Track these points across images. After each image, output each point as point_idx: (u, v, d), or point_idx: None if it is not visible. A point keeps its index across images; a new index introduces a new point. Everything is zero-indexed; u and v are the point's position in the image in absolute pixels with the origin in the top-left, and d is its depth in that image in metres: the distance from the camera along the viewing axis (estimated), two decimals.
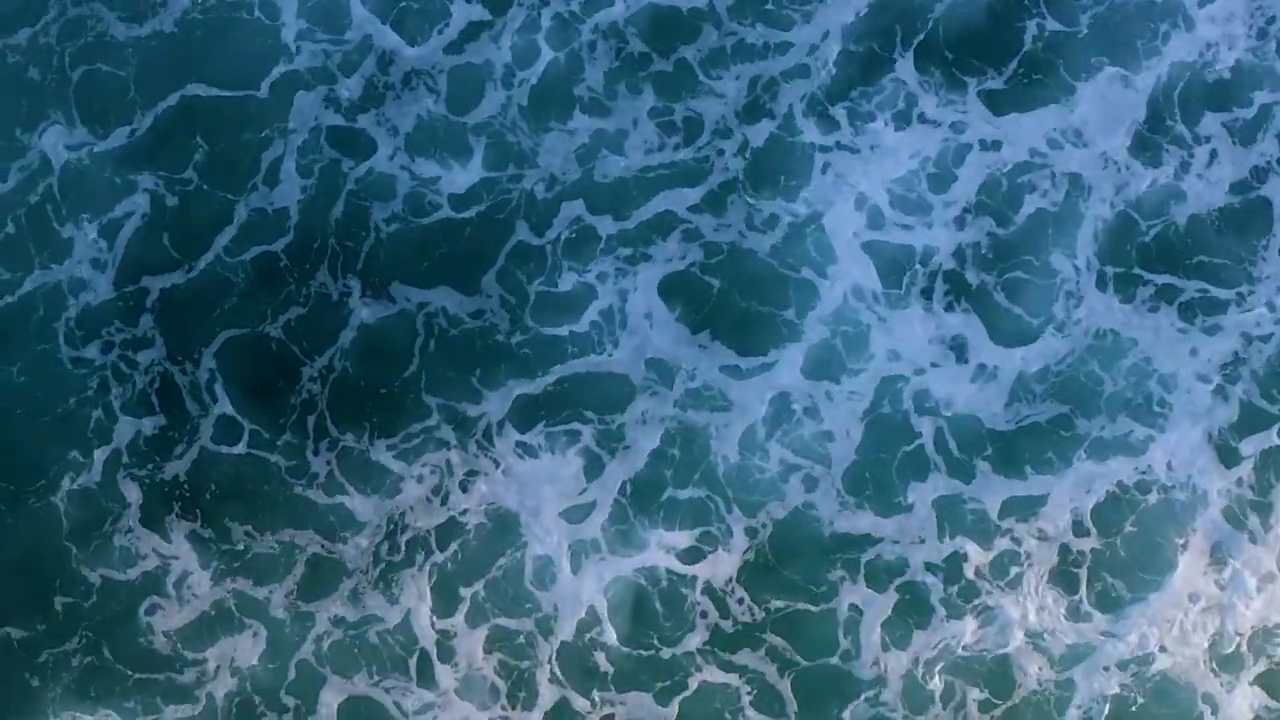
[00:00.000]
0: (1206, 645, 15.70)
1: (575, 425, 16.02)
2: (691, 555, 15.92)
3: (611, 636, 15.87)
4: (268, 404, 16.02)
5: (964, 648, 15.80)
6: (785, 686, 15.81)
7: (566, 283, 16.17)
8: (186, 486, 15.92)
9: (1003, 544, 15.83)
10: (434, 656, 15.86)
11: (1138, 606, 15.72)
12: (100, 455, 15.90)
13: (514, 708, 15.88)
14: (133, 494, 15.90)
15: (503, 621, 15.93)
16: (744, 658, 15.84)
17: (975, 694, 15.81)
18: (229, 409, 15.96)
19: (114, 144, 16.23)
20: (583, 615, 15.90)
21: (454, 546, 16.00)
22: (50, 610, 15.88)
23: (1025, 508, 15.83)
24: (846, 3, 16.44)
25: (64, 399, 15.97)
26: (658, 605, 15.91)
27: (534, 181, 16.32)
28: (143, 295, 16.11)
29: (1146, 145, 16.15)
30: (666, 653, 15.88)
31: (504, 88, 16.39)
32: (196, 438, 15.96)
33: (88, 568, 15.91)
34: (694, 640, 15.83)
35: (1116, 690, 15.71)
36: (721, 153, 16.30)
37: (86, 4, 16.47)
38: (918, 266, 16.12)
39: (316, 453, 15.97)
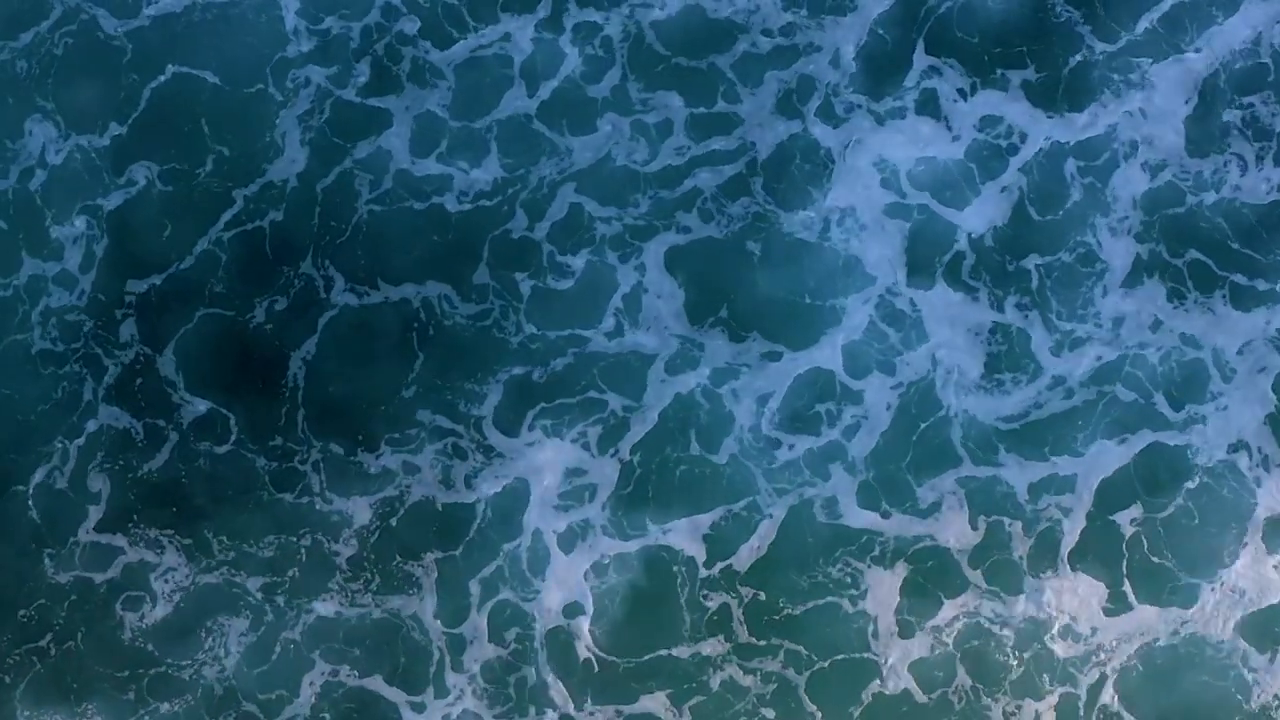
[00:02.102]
0: (1254, 618, 15.57)
1: (579, 412, 15.75)
2: (707, 545, 15.65)
3: (616, 633, 15.58)
4: (257, 399, 15.70)
5: (994, 627, 15.59)
6: (802, 682, 15.57)
7: (578, 268, 15.93)
8: (172, 483, 15.59)
9: (1038, 525, 15.66)
10: (435, 653, 15.55)
11: (1188, 582, 15.58)
12: (74, 449, 15.60)
13: (519, 707, 15.58)
14: (107, 489, 15.55)
15: (507, 617, 15.62)
16: (760, 653, 15.58)
17: (1002, 671, 15.60)
18: (214, 405, 15.64)
19: (109, 135, 15.98)
20: (586, 609, 15.61)
21: (454, 540, 15.69)
22: (19, 610, 15.64)
23: (1064, 487, 15.64)
24: None
25: (44, 394, 15.68)
26: (664, 600, 15.58)
27: (551, 176, 16.08)
28: (130, 289, 15.81)
29: (1199, 134, 15.98)
30: (679, 651, 15.59)
31: (526, 85, 16.20)
32: (180, 435, 15.62)
33: (59, 565, 15.61)
34: (706, 635, 15.56)
35: (1157, 661, 15.55)
36: (753, 144, 16.09)
37: None
38: (952, 253, 15.96)
39: (307, 454, 15.66)
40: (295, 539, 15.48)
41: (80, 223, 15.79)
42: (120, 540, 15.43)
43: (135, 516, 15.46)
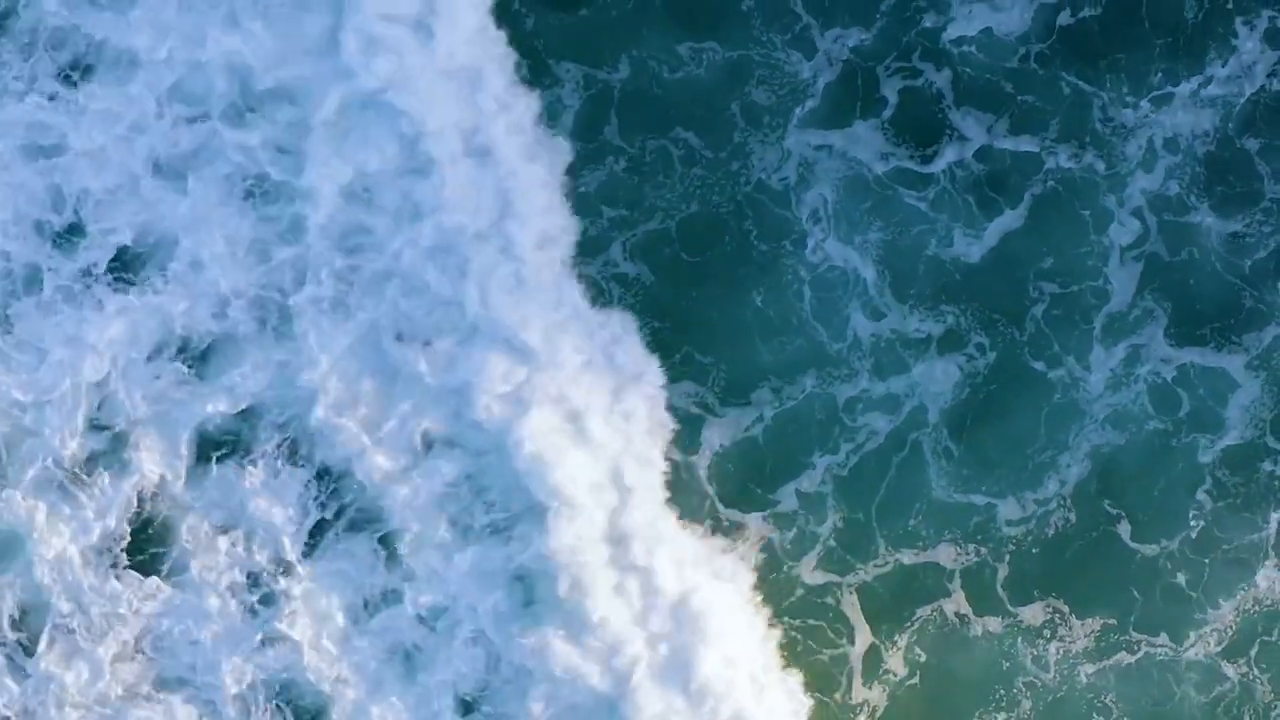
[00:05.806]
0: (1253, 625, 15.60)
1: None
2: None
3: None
4: None
5: (989, 645, 15.58)
6: None
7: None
8: None
9: (1034, 545, 15.48)
10: None
11: (1192, 594, 15.52)
12: None
13: None
14: None
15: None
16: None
17: (994, 691, 15.62)
18: None
19: None
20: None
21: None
22: None
23: (1063, 506, 15.51)
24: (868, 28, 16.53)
25: None
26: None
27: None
28: None
29: (1217, 171, 15.86)
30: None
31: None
32: None
33: None
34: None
35: (1151, 673, 15.49)
36: (743, 174, 15.94)
37: None
38: (953, 280, 15.78)
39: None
40: None
41: None
42: None
43: None
